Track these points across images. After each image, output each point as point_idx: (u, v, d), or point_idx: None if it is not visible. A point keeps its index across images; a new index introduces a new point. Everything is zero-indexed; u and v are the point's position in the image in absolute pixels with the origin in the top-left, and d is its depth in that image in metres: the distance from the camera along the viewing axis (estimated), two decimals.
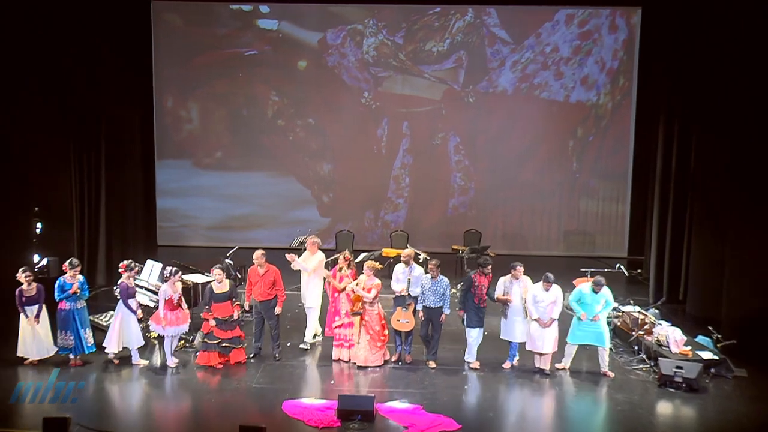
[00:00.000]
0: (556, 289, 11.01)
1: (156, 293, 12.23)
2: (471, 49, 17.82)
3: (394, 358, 11.55)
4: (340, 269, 11.54)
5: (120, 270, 11.35)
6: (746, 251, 12.10)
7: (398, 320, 11.37)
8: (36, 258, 12.64)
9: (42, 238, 12.96)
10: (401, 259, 11.69)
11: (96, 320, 11.88)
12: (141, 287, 12.64)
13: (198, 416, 10.02)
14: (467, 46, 17.81)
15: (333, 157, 18.38)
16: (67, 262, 11.16)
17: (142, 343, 11.34)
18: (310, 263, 11.81)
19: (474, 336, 11.31)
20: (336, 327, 11.49)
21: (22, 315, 10.95)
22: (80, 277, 11.13)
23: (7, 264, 12.10)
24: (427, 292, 11.23)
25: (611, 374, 10.98)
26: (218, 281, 11.21)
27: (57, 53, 13.25)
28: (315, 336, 12.21)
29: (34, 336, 10.97)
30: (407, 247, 15.54)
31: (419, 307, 11.33)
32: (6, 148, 12.16)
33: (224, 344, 11.18)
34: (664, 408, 10.18)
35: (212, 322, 11.12)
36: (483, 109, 18.02)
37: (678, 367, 10.57)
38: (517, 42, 17.73)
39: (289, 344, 11.90)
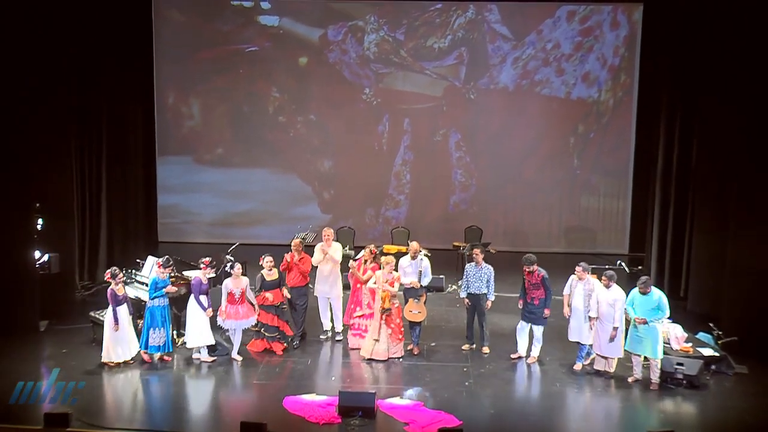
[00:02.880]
0: (616, 290, 10.73)
1: None
2: (472, 46, 17.80)
3: (413, 350, 11.77)
4: (365, 262, 11.78)
5: (202, 266, 11.39)
6: (747, 248, 12.07)
7: (411, 311, 11.59)
8: (37, 254, 12.64)
9: (43, 235, 12.95)
10: (409, 252, 11.88)
11: (97, 316, 11.87)
12: (141, 283, 12.67)
13: (199, 412, 10.03)
14: (468, 43, 17.79)
15: (334, 153, 18.37)
16: (162, 260, 11.29)
17: (208, 342, 11.31)
18: (335, 255, 12.08)
19: (522, 331, 11.47)
20: (357, 317, 11.75)
21: (108, 318, 10.92)
22: (166, 275, 11.28)
23: (8, 260, 12.13)
24: (471, 279, 11.55)
25: (654, 386, 10.58)
26: (268, 269, 11.46)
27: (58, 50, 13.22)
28: (326, 332, 12.34)
29: (120, 338, 10.95)
30: (407, 243, 15.62)
31: (463, 294, 11.67)
32: (7, 144, 12.13)
33: (269, 333, 11.50)
34: (665, 405, 10.18)
35: (257, 308, 11.40)
36: (484, 105, 18.00)
37: (679, 364, 10.57)
38: (518, 38, 17.71)
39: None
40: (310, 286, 12.60)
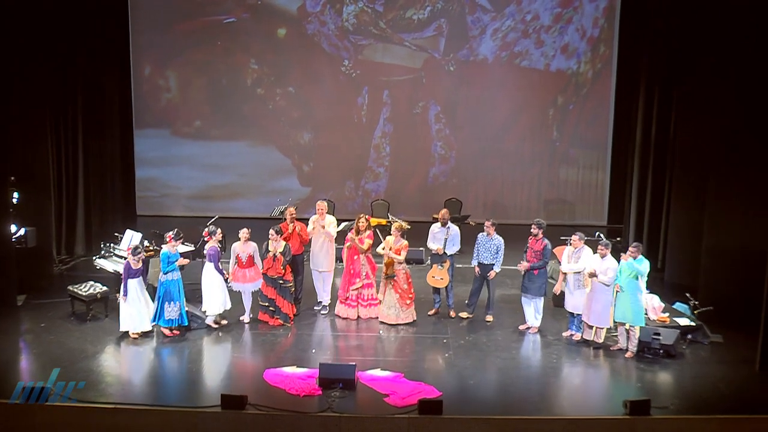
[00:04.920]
0: (609, 260, 10.76)
1: None
2: (451, 17, 17.70)
3: (431, 312, 12.14)
4: (358, 231, 11.86)
5: (204, 238, 11.66)
6: (724, 219, 12.20)
7: (433, 277, 11.93)
8: (13, 228, 12.51)
9: (19, 209, 12.81)
10: (438, 218, 12.10)
11: (75, 290, 11.81)
12: (120, 257, 12.61)
13: (180, 385, 10.03)
14: (447, 14, 17.69)
15: (313, 126, 18.28)
16: (172, 232, 11.34)
17: (226, 307, 11.62)
18: (331, 229, 12.14)
19: (524, 305, 11.66)
20: (355, 289, 11.89)
21: (122, 291, 11.00)
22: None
23: None
24: (481, 249, 11.77)
25: (630, 354, 10.72)
26: (273, 240, 11.54)
27: (32, 24, 12.98)
28: (320, 302, 12.45)
29: (131, 310, 11.00)
30: (387, 216, 15.65)
31: (474, 263, 11.91)
32: None
33: (272, 307, 11.61)
34: (642, 374, 10.31)
35: (262, 279, 11.57)
36: (463, 77, 17.95)
37: (656, 334, 10.69)
38: (498, 10, 17.63)
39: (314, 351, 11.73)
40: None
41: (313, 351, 10.90)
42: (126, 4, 17.43)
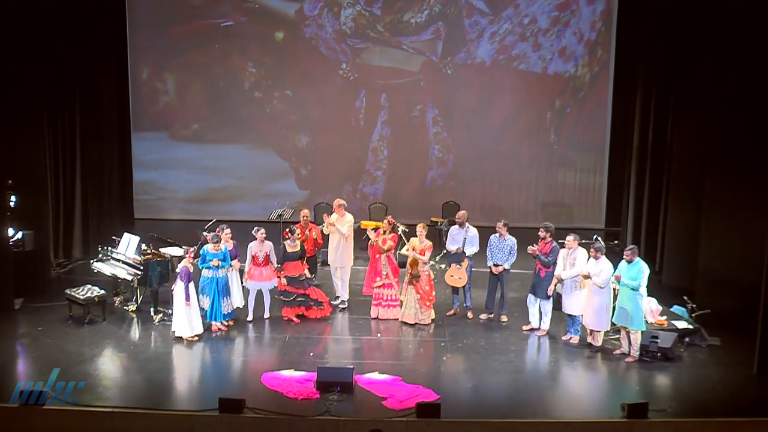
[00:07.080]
0: (604, 262, 10.78)
1: (133, 266, 12.21)
2: (449, 20, 17.72)
3: (450, 313, 12.25)
4: (384, 232, 12.07)
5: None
6: (721, 222, 12.22)
7: (452, 276, 12.06)
8: (11, 232, 12.49)
9: (16, 212, 12.79)
10: (456, 220, 12.34)
11: (72, 294, 11.79)
12: (118, 260, 12.60)
13: (178, 389, 10.02)
14: (445, 17, 17.70)
15: (311, 129, 18.27)
16: (212, 234, 11.61)
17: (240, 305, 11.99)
18: (343, 226, 12.37)
19: (530, 303, 11.67)
20: (377, 287, 12.09)
21: (180, 295, 11.06)
22: (222, 247, 11.52)
23: None
24: (494, 250, 11.89)
25: (631, 359, 10.69)
26: (292, 240, 11.79)
27: (30, 23, 12.98)
28: (338, 297, 12.66)
29: (194, 313, 11.17)
30: (390, 218, 15.63)
31: (489, 263, 12.02)
32: None
33: (299, 299, 11.82)
34: (639, 377, 10.31)
35: (284, 281, 11.75)
36: (461, 80, 17.96)
37: (654, 337, 10.70)
38: (495, 13, 17.64)
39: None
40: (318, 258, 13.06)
41: (311, 354, 10.90)
42: (124, 6, 17.40)
